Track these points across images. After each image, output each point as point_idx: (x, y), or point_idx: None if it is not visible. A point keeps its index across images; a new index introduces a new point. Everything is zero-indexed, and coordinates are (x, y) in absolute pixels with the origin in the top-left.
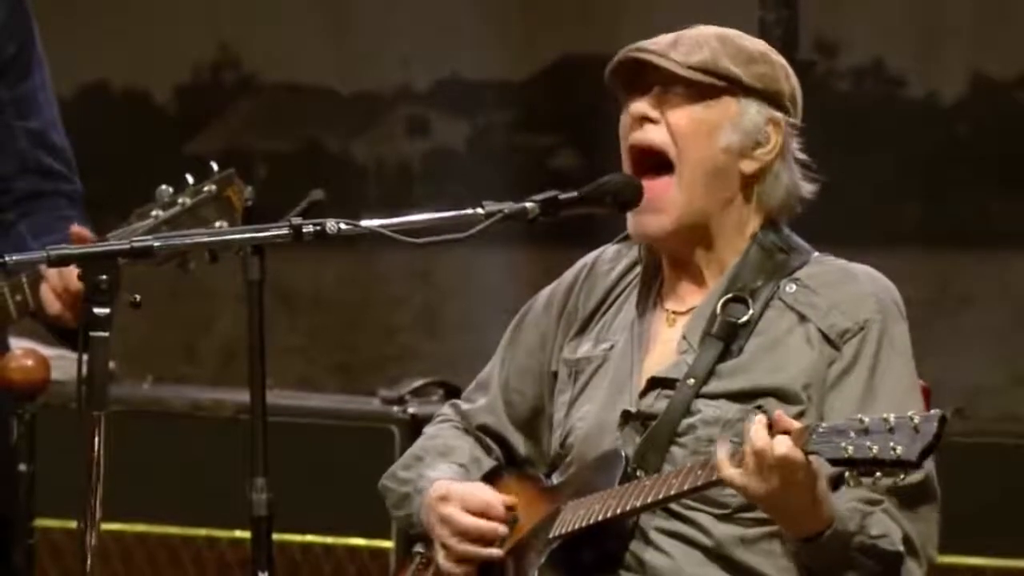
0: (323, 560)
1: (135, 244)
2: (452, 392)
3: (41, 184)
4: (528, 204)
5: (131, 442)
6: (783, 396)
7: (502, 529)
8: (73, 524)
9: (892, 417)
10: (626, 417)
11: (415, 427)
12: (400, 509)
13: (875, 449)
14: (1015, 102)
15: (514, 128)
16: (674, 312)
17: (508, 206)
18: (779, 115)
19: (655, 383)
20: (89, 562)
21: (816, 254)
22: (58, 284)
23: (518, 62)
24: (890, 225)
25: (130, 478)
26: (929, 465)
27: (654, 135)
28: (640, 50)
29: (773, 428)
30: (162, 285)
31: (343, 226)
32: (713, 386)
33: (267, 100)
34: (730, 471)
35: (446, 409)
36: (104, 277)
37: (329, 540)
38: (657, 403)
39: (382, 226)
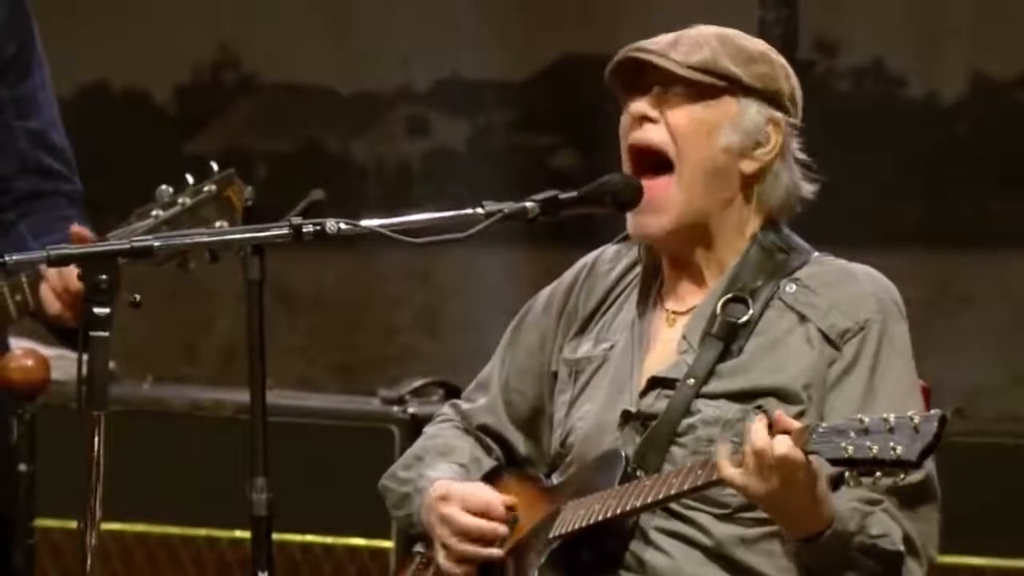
0: (323, 560)
1: (135, 244)
2: (452, 392)
3: (41, 184)
4: (528, 204)
5: (131, 442)
6: (783, 396)
7: (502, 529)
8: (73, 524)
9: (892, 417)
10: (626, 417)
11: (415, 427)
12: (400, 509)
13: (875, 449)
14: (1015, 102)
15: (514, 128)
16: (674, 312)
17: (508, 206)
18: (779, 115)
19: (655, 383)
20: (89, 562)
21: (816, 254)
22: (58, 284)
23: (518, 62)
24: (890, 225)
25: (130, 478)
26: (929, 465)
27: (653, 135)
28: (640, 50)
29: (773, 428)
30: (162, 285)
31: (343, 226)
32: (713, 386)
33: (267, 100)
34: (730, 471)
35: (446, 409)
36: (104, 277)
37: (329, 540)
38: (657, 403)
39: (382, 226)
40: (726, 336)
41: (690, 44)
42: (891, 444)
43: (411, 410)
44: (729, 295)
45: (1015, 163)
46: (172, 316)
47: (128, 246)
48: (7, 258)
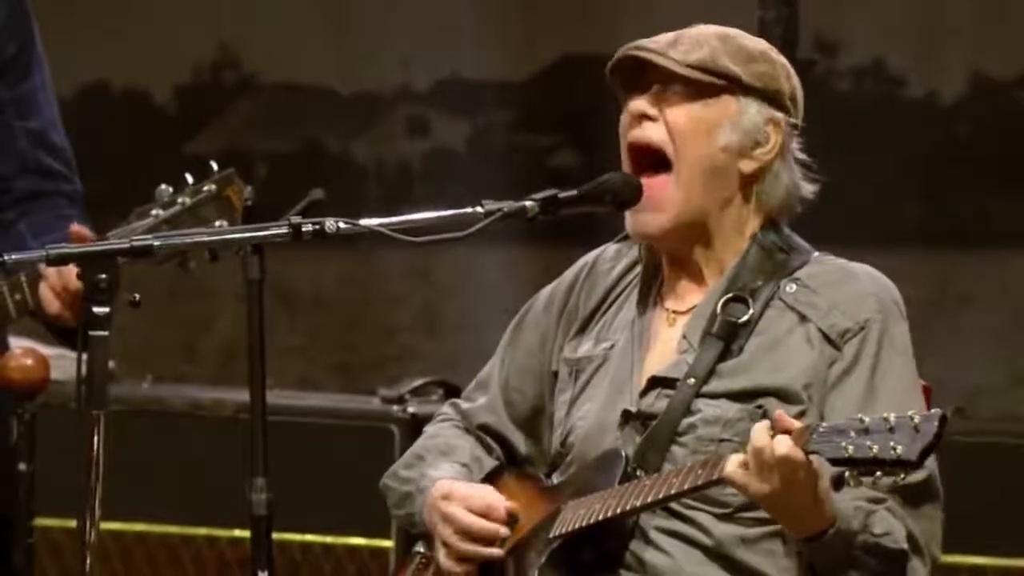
0: (323, 560)
1: (134, 243)
2: (452, 392)
3: (41, 184)
4: (527, 203)
5: (131, 442)
6: (784, 396)
7: (503, 531)
8: (73, 524)
9: (892, 417)
10: (626, 417)
11: (415, 426)
12: (402, 508)
13: (875, 449)
14: (1015, 102)
15: (514, 128)
16: (674, 311)
17: (507, 205)
18: (779, 115)
19: (655, 382)
20: (89, 562)
21: (816, 254)
22: (57, 283)
23: (518, 62)
24: (890, 225)
25: (130, 478)
26: (932, 464)
27: (652, 133)
28: (639, 48)
29: (774, 428)
30: (162, 284)
31: (342, 225)
32: (713, 385)
33: (267, 100)
34: (731, 469)
35: (446, 408)
36: (103, 276)
37: (329, 540)
38: (657, 402)
39: (381, 225)
40: (726, 336)
41: (690, 43)
42: (891, 444)
43: (411, 409)
44: (729, 295)
45: (1015, 163)
46: (172, 315)
47: (128, 245)
48: (6, 257)
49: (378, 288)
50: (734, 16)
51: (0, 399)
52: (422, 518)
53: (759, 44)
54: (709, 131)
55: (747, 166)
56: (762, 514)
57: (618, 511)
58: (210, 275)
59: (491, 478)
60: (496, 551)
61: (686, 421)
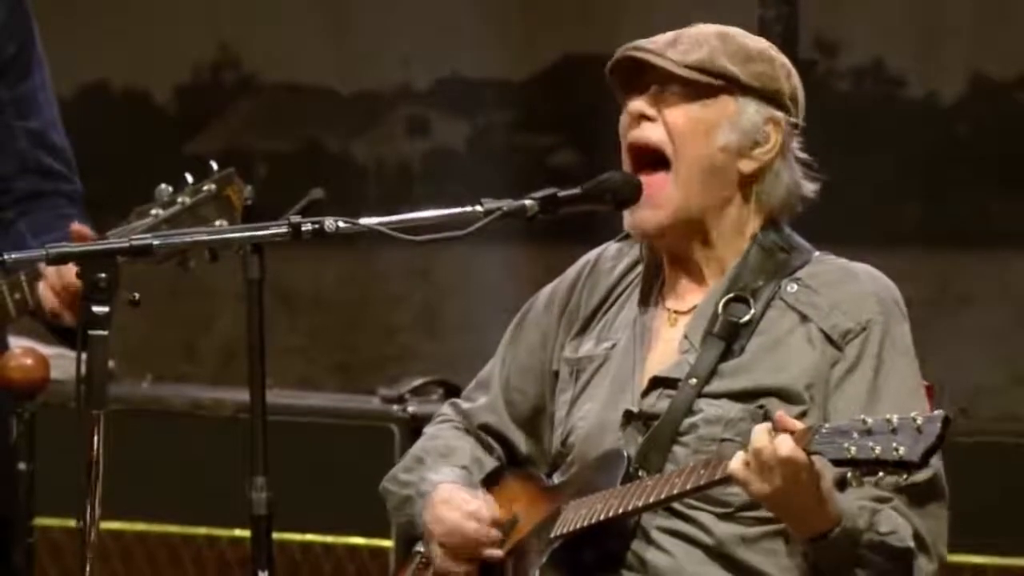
0: (323, 559)
1: (134, 242)
2: (452, 391)
3: (41, 184)
4: (527, 202)
5: (131, 441)
6: (785, 396)
7: (493, 534)
8: (73, 523)
9: (895, 418)
10: (628, 417)
11: (415, 426)
12: (401, 512)
13: (878, 450)
14: (1015, 102)
15: (514, 128)
16: (675, 311)
17: (507, 204)
18: (779, 114)
19: (657, 382)
20: (89, 562)
21: (817, 253)
22: (56, 282)
23: (518, 62)
24: (890, 225)
25: (130, 477)
26: (937, 463)
27: (651, 133)
28: (638, 49)
29: (775, 428)
30: (162, 284)
31: (342, 224)
32: (715, 386)
33: (267, 100)
34: (735, 467)
35: (446, 409)
36: (103, 275)
37: (329, 539)
38: (659, 403)
39: (381, 224)
40: (728, 336)
41: (689, 43)
42: (894, 445)
43: (411, 409)
44: (730, 295)
45: (1015, 163)
46: (172, 315)
47: (127, 244)
48: (6, 257)
49: (378, 288)
50: (734, 16)
51: (0, 399)
52: (422, 521)
53: (759, 43)
54: (708, 132)
55: (747, 166)
56: (763, 513)
57: (620, 511)
58: (210, 275)
59: (492, 478)
60: (495, 552)
61: (688, 421)
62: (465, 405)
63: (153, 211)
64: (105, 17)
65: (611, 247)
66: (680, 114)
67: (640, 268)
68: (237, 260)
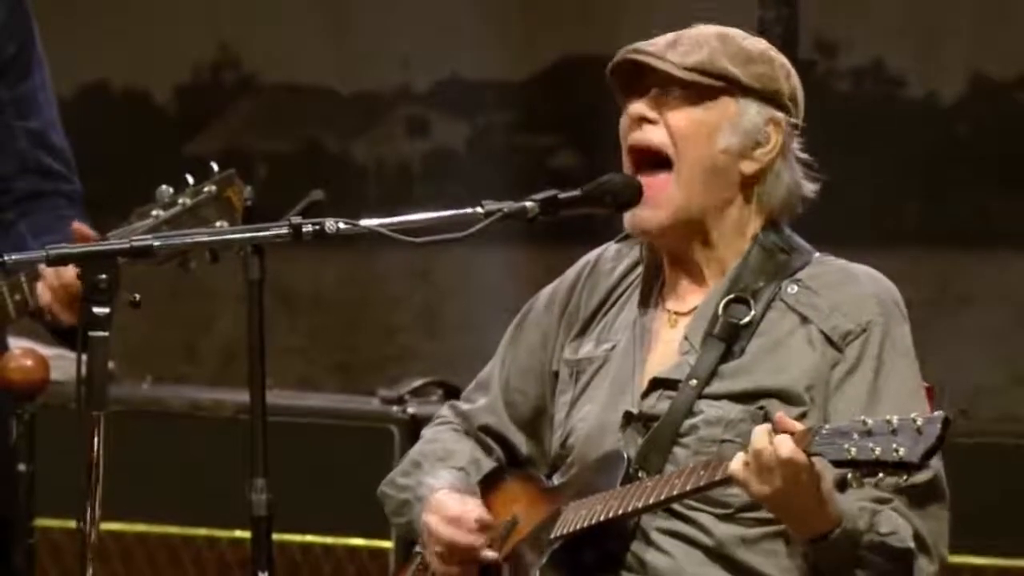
0: (323, 560)
1: (134, 243)
2: (452, 392)
3: (41, 184)
4: (527, 203)
5: (131, 442)
6: (785, 397)
7: (478, 541)
8: (73, 524)
9: (895, 419)
10: (628, 418)
11: (415, 427)
12: (400, 516)
13: (878, 451)
14: (1015, 102)
15: (514, 128)
16: (675, 312)
17: (507, 205)
18: (779, 115)
19: (657, 384)
20: (89, 563)
21: (817, 255)
22: (55, 282)
23: (518, 62)
24: (890, 225)
25: (130, 478)
26: (937, 464)
27: (652, 135)
28: (637, 51)
29: (775, 429)
30: (162, 285)
31: (342, 225)
32: (715, 387)
33: (267, 100)
34: (735, 467)
35: (444, 411)
36: (103, 276)
37: (329, 540)
38: (659, 404)
39: (381, 225)
40: (728, 337)
41: (689, 44)
42: (894, 446)
43: (411, 410)
44: (731, 296)
45: (1015, 163)
46: (172, 316)
47: (128, 245)
48: (6, 257)
49: (378, 288)
50: (734, 16)
51: (0, 399)
52: (420, 525)
53: (759, 44)
54: (710, 134)
55: (748, 167)
56: (763, 514)
57: (619, 512)
58: (210, 275)
59: (491, 479)
60: (490, 554)
61: (688, 422)
62: (465, 406)
63: (154, 212)
64: (105, 17)
65: (611, 248)
66: (682, 117)
67: (640, 269)
68: (237, 261)
